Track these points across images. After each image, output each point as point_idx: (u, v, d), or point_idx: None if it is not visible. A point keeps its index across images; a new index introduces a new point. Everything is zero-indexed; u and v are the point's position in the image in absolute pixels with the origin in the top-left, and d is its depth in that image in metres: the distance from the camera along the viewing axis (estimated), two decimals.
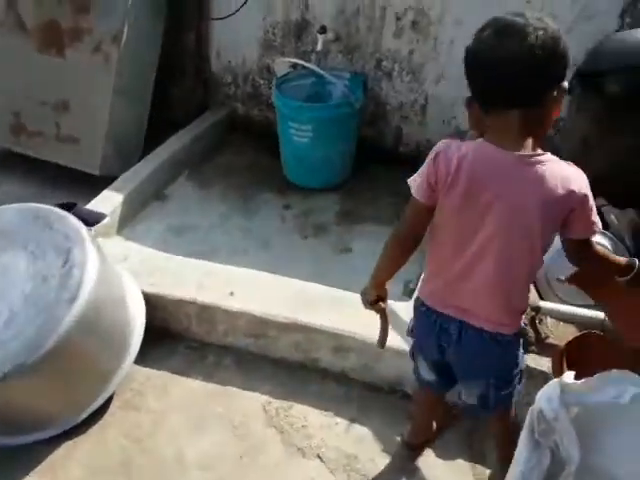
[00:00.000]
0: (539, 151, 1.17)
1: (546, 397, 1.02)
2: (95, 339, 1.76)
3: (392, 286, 2.45)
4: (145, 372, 2.03)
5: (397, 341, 1.94)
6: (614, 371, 1.03)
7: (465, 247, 1.25)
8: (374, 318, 2.02)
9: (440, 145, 1.23)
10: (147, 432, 1.86)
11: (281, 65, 2.95)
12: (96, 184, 2.72)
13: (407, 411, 1.89)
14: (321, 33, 2.83)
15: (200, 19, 3.11)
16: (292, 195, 2.98)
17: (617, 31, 2.44)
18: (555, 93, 1.14)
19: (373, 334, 1.96)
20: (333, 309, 2.05)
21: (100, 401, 1.84)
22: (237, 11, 2.95)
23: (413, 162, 3.02)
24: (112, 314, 1.83)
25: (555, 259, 2.02)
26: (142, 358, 1.99)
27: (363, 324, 1.98)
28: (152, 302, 2.06)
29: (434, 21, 2.71)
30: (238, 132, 3.37)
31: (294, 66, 2.94)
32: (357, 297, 2.15)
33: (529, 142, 1.16)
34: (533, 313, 1.90)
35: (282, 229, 2.74)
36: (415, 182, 1.27)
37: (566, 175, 1.16)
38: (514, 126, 1.15)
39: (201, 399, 1.97)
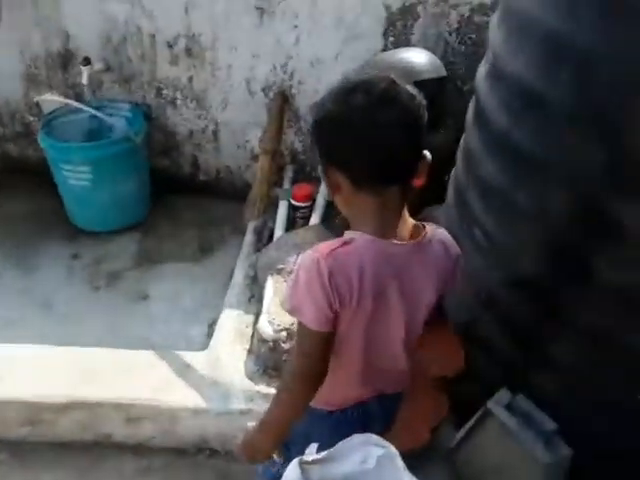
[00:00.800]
0: (421, 226, 1.09)
1: None
2: None
3: (193, 328, 2.34)
4: None
5: (194, 398, 1.80)
6: (356, 436, 0.99)
7: (375, 345, 1.12)
8: (164, 380, 1.87)
9: (322, 259, 0.99)
10: None
11: (47, 101, 2.65)
12: None
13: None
14: (85, 65, 2.58)
15: None
16: (82, 242, 2.70)
17: (382, 50, 2.53)
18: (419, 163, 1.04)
19: (166, 397, 1.81)
20: (120, 375, 1.85)
21: None
22: None
23: (214, 190, 2.98)
24: None
25: None
26: None
27: (153, 388, 1.82)
28: None
29: (207, 47, 2.60)
30: (14, 176, 2.97)
31: None
32: (146, 356, 1.98)
33: (408, 217, 1.07)
34: None
35: (69, 283, 2.46)
36: (306, 314, 1.02)
37: (446, 240, 1.13)
38: (395, 204, 1.04)
39: None
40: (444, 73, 2.23)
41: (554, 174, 1.30)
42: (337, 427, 1.15)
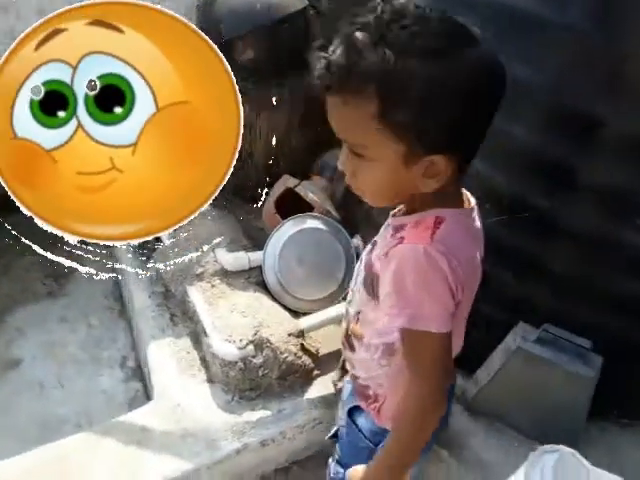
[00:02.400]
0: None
1: None
2: None
3: (102, 379, 1.84)
4: None
5: (172, 465, 1.42)
6: (531, 454, 0.85)
7: (469, 307, 0.97)
8: (122, 460, 1.43)
9: (431, 248, 0.80)
10: None
11: None
12: None
13: None
14: None
15: None
16: None
17: None
18: None
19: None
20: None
21: None
22: None
23: None
24: None
25: (284, 265, 1.78)
26: None
27: (112, 477, 1.39)
28: None
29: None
30: None
31: None
32: (78, 442, 1.43)
33: None
34: (300, 339, 1.62)
35: None
36: (432, 319, 0.83)
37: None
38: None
39: None
40: (306, 1, 1.98)
41: (535, 95, 1.23)
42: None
